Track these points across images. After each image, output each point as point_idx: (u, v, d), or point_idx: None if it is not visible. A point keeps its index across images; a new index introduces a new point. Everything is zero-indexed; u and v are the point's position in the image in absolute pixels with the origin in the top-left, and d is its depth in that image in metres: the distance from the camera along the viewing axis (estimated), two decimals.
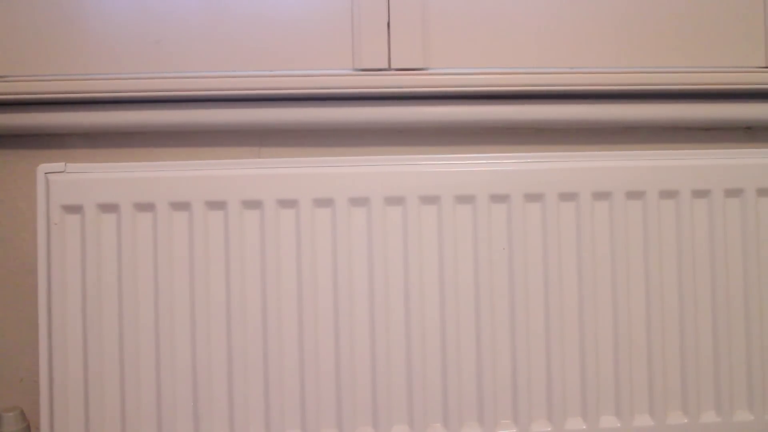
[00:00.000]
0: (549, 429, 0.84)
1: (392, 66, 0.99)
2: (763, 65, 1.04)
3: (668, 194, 0.86)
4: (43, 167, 0.82)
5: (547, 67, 1.01)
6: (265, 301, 0.82)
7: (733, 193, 0.87)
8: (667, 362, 0.86)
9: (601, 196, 0.85)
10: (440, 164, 0.85)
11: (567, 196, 0.85)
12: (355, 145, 1.00)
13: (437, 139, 1.01)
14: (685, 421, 0.86)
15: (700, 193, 0.87)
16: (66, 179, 0.82)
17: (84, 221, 0.81)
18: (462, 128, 1.01)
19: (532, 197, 0.85)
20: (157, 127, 0.97)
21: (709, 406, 0.87)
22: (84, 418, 0.81)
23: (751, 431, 0.87)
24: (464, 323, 0.84)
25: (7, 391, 0.98)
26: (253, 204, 0.82)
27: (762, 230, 0.88)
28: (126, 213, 0.81)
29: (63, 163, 0.83)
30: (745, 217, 0.87)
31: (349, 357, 0.82)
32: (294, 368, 0.82)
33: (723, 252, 0.87)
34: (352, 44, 1.00)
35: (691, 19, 1.04)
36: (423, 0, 1.00)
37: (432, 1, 1.00)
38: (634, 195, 0.86)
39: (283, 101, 0.97)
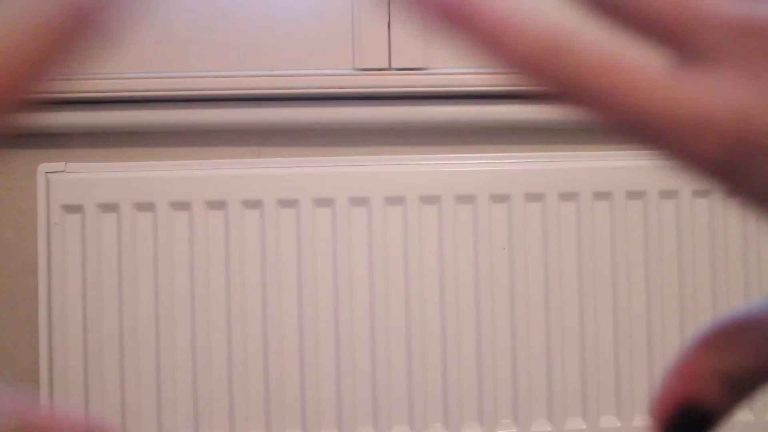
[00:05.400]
0: (549, 429, 0.84)
1: (392, 66, 0.99)
2: None
3: (669, 194, 0.86)
4: (43, 167, 0.82)
5: None
6: (265, 300, 0.82)
7: None
8: (668, 362, 0.86)
9: (601, 196, 0.85)
10: (440, 164, 0.85)
11: (567, 196, 0.85)
12: (355, 145, 1.00)
13: (437, 139, 1.01)
14: None
15: (700, 193, 0.87)
16: (66, 179, 0.82)
17: (84, 221, 0.81)
18: (462, 128, 1.00)
19: (533, 197, 0.85)
20: (157, 127, 0.97)
21: None
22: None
23: (751, 431, 0.87)
24: (464, 323, 0.84)
25: None
26: (253, 204, 0.82)
27: (763, 230, 0.87)
28: (126, 213, 0.81)
29: (63, 163, 0.83)
30: (745, 217, 0.87)
31: (349, 356, 0.82)
32: (294, 368, 0.82)
33: (724, 252, 0.87)
34: (353, 44, 1.00)
35: None
36: None
37: None
38: (634, 195, 0.86)
39: (283, 101, 0.97)
